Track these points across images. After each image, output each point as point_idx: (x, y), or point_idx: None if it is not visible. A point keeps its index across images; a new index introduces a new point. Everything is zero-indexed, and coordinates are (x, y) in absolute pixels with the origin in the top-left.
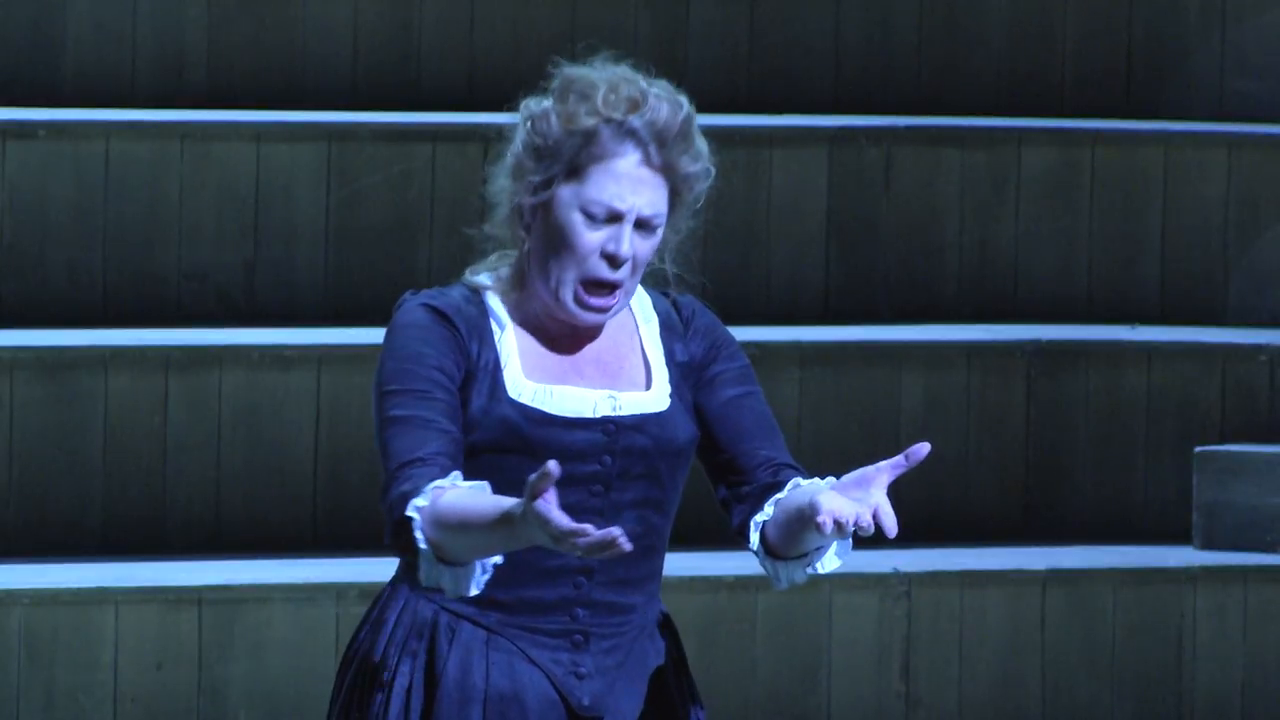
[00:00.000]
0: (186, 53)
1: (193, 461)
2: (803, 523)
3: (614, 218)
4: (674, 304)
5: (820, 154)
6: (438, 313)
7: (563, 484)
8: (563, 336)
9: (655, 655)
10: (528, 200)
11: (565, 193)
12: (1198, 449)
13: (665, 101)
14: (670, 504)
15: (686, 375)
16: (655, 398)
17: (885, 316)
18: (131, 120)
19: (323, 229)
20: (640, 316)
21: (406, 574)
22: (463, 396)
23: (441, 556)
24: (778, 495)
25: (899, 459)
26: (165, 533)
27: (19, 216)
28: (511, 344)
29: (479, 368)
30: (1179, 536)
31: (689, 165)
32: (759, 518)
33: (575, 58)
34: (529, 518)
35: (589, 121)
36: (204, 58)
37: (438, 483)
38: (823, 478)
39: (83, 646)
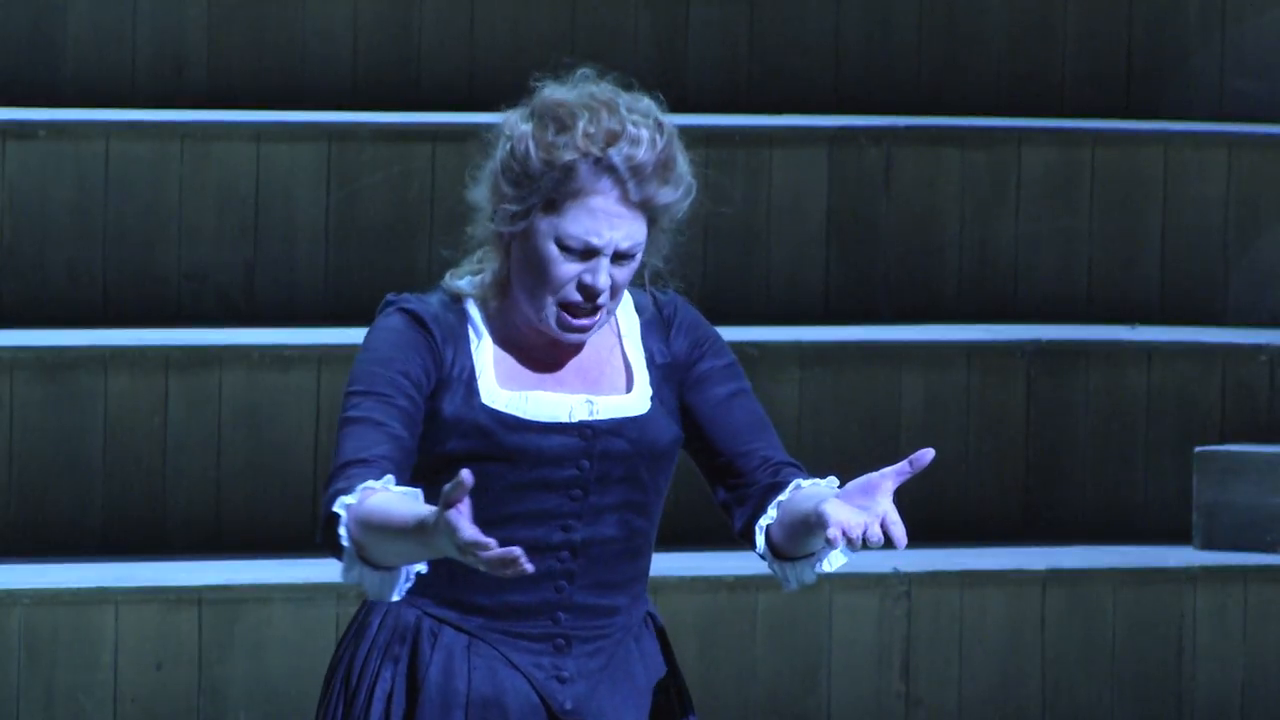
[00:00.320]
0: (186, 53)
1: (193, 461)
2: (808, 527)
3: (590, 253)
4: (656, 301)
5: (820, 154)
6: (414, 318)
7: (541, 489)
8: (542, 344)
9: (641, 657)
10: (505, 228)
11: (542, 225)
12: (1198, 449)
13: (645, 129)
14: (653, 506)
15: (669, 376)
16: (634, 401)
17: (885, 316)
18: (131, 120)
19: (322, 229)
20: (622, 318)
21: None
22: (435, 404)
23: (365, 557)
24: (780, 497)
25: (903, 465)
26: (165, 533)
27: (19, 216)
28: (488, 352)
29: (453, 375)
30: (1179, 536)
31: (668, 196)
32: (763, 521)
33: (575, 54)
34: (440, 526)
35: (568, 156)
36: (204, 58)
37: (369, 483)
38: (823, 476)
39: (83, 646)
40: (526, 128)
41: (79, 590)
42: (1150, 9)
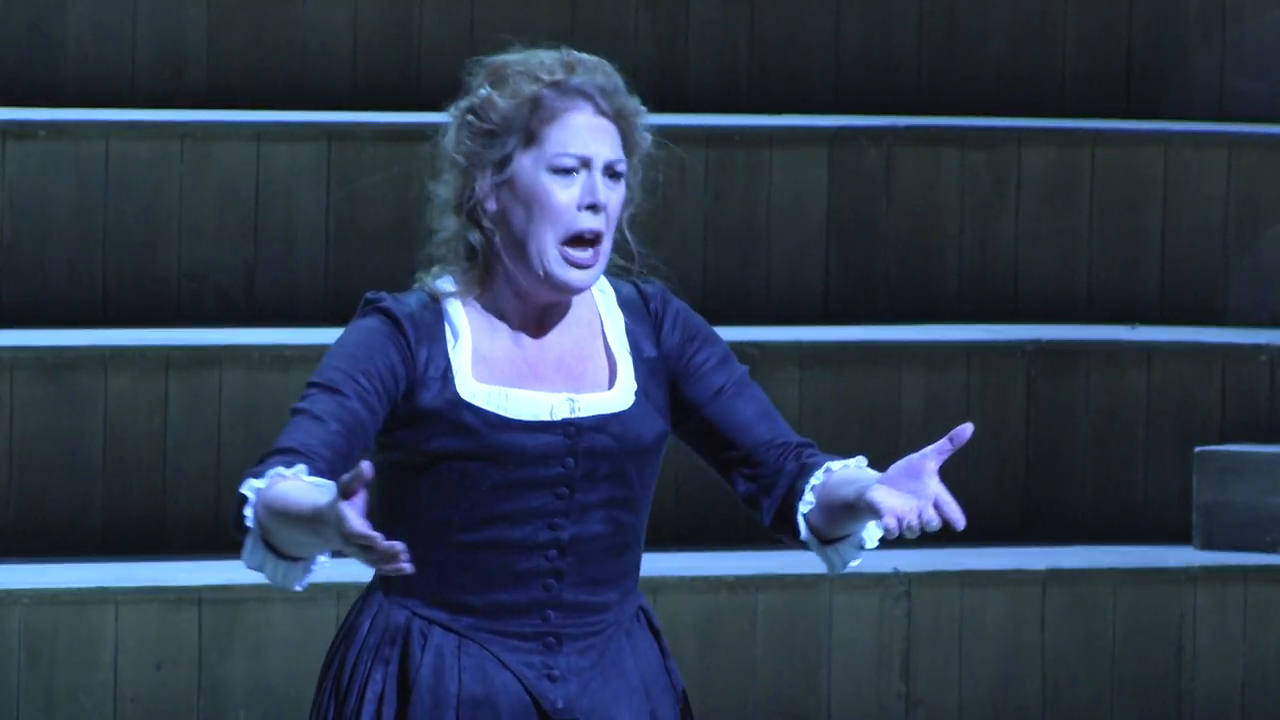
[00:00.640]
0: (186, 53)
1: (193, 461)
2: (851, 512)
3: (583, 165)
4: (641, 294)
5: (820, 154)
6: (389, 318)
7: (527, 488)
8: (525, 338)
9: (633, 652)
10: (489, 182)
11: (526, 161)
12: (1198, 449)
13: (595, 60)
14: (640, 501)
15: (657, 370)
16: (617, 396)
17: (885, 316)
18: (131, 120)
19: (323, 229)
20: (605, 312)
21: (380, 580)
22: (414, 403)
23: (271, 544)
24: (813, 481)
25: (943, 443)
26: (165, 533)
27: (19, 216)
28: (466, 349)
29: (428, 374)
30: (1179, 536)
31: (637, 109)
32: (803, 508)
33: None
34: (331, 516)
35: (532, 89)
36: (204, 58)
37: (280, 470)
38: (849, 457)
39: (83, 646)
40: (483, 91)
41: (79, 590)
42: (1150, 9)
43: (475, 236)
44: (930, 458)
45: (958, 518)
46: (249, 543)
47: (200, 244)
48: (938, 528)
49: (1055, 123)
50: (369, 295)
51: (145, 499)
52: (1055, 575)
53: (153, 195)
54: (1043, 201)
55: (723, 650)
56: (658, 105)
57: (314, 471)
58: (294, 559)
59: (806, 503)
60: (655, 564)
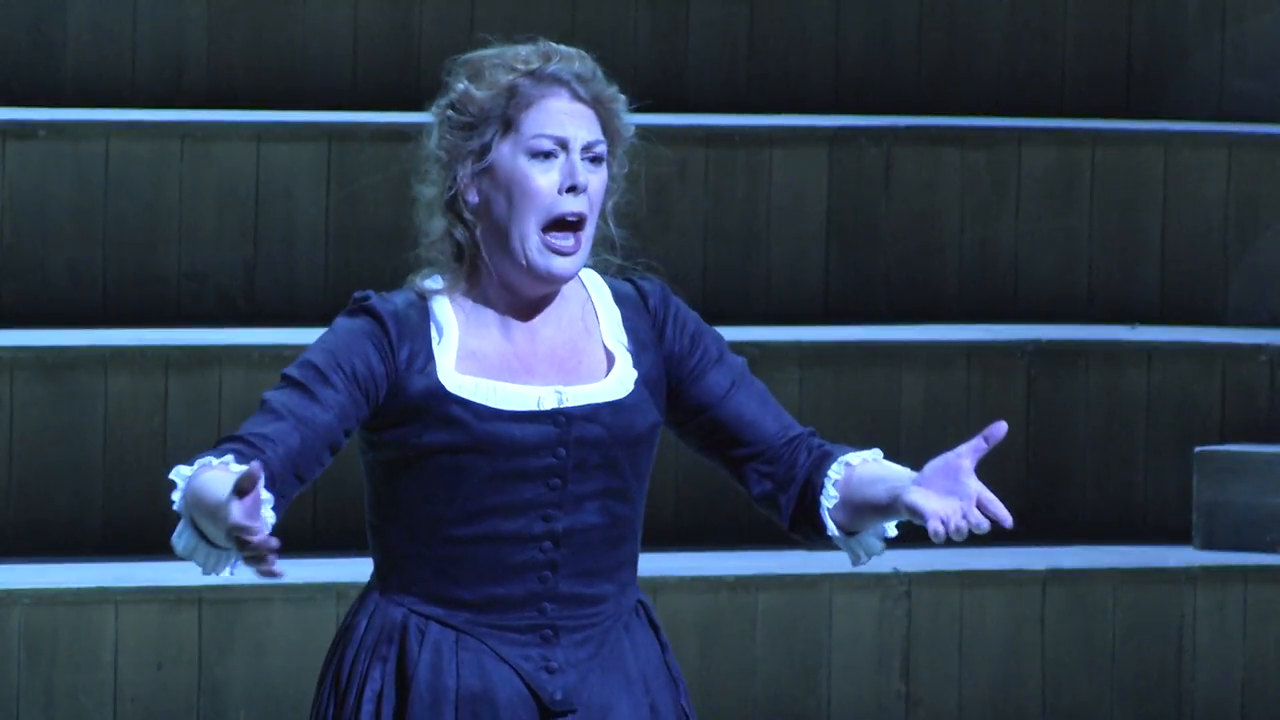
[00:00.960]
0: (186, 53)
1: None
2: (881, 512)
3: (561, 148)
4: (639, 290)
5: (820, 154)
6: (371, 315)
7: (519, 479)
8: (515, 333)
9: (632, 646)
10: (470, 173)
11: (505, 148)
12: (1198, 449)
13: (573, 50)
14: (635, 492)
15: (656, 363)
16: (610, 386)
17: (885, 316)
18: (131, 120)
19: (323, 229)
20: (600, 306)
21: (377, 579)
22: (400, 398)
23: (200, 530)
24: (834, 476)
25: (978, 441)
26: (165, 533)
27: (19, 216)
28: (452, 344)
29: (411, 370)
30: (1179, 536)
31: (615, 95)
32: (827, 503)
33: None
34: (222, 511)
35: (508, 78)
36: (204, 58)
37: (209, 459)
38: (866, 448)
39: (83, 646)
40: (460, 85)
41: (79, 590)
42: (1150, 9)
43: (460, 233)
44: (965, 456)
45: (1005, 515)
46: (179, 527)
47: (200, 244)
48: (986, 529)
49: (1055, 123)
50: (356, 294)
51: (145, 499)
52: (1055, 575)
53: (153, 195)
54: (1043, 201)
55: (723, 650)
56: (658, 105)
57: (244, 462)
58: (224, 547)
59: (830, 497)
60: (655, 564)
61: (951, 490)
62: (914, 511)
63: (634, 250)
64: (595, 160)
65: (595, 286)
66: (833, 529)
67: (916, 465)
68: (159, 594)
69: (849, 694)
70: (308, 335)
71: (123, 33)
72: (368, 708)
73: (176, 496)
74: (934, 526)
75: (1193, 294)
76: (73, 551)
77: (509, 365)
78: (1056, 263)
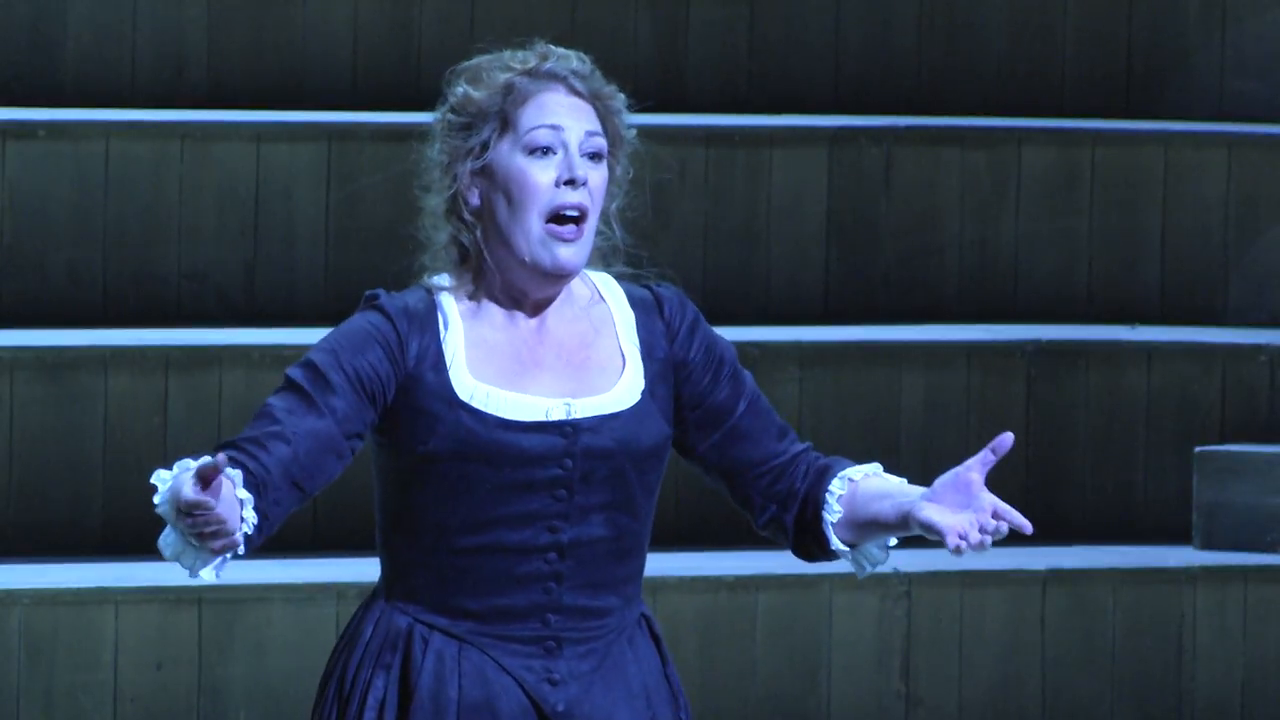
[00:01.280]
0: (186, 53)
1: None
2: (888, 529)
3: (559, 143)
4: (656, 296)
5: (820, 154)
6: (381, 313)
7: (525, 490)
8: (522, 332)
9: (635, 659)
10: (469, 173)
11: (503, 146)
12: (1198, 449)
13: (570, 51)
14: (641, 505)
15: (666, 374)
16: (618, 397)
17: (885, 316)
18: (131, 120)
19: (323, 229)
20: (615, 309)
21: (383, 586)
22: (408, 399)
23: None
24: (836, 491)
25: (985, 454)
26: None
27: (19, 216)
28: (460, 343)
29: (424, 368)
30: (1179, 536)
31: (613, 92)
32: (830, 518)
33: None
34: (178, 499)
35: (505, 77)
36: (204, 58)
37: (186, 461)
38: (854, 460)
39: (83, 646)
40: (459, 89)
41: (79, 590)
42: (1150, 9)
43: (464, 236)
44: (974, 469)
45: (1024, 522)
46: (165, 530)
47: (200, 244)
48: (1003, 536)
49: (1055, 123)
50: (367, 293)
51: (145, 499)
52: (1055, 575)
53: (153, 195)
54: (1043, 201)
55: (723, 650)
56: (658, 105)
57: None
58: (196, 545)
59: (833, 512)
60: (655, 564)
61: (964, 504)
62: (929, 528)
63: (642, 258)
64: (594, 157)
65: (608, 288)
66: (837, 544)
67: (917, 465)
68: (159, 594)
69: (849, 694)
70: (308, 335)
71: (122, 32)
72: (370, 715)
73: (157, 500)
74: (953, 542)
75: (1193, 294)
76: (72, 551)
77: (517, 365)
78: (1056, 263)
